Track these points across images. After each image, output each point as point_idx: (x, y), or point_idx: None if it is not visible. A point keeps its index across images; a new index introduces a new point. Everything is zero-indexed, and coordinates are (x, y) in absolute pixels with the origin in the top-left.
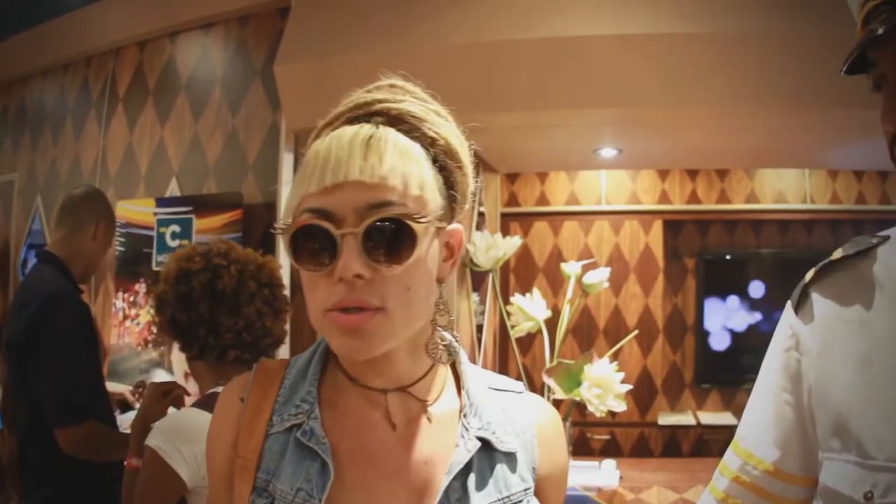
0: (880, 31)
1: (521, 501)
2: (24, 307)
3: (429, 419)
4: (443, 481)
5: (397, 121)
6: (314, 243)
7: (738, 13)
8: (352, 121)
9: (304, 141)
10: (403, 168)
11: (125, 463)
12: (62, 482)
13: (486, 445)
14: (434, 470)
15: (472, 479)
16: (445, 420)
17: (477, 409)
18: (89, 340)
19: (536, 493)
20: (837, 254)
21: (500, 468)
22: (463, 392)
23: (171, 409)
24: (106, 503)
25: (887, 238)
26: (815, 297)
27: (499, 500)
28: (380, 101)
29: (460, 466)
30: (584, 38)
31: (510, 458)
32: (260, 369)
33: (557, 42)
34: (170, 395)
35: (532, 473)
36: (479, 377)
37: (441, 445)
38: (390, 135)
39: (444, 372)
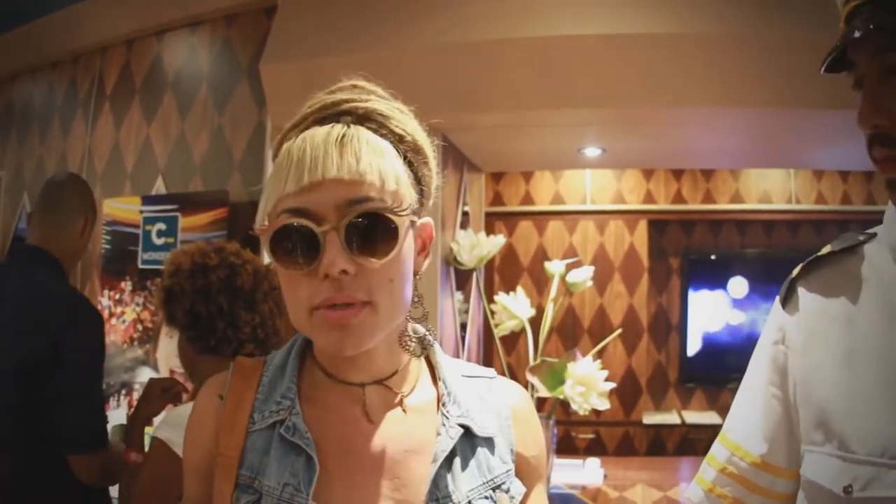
0: (857, 34)
1: (503, 483)
2: (44, 318)
3: (404, 410)
4: (429, 470)
5: (365, 119)
6: (295, 243)
7: (722, 13)
8: (320, 121)
9: None
10: (379, 164)
11: (125, 457)
12: None
13: (466, 432)
14: (416, 460)
15: (456, 465)
16: (423, 410)
17: (455, 398)
18: (103, 357)
19: (518, 472)
20: (825, 250)
21: (482, 452)
22: (440, 382)
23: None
24: None
25: (874, 236)
26: (802, 292)
27: (483, 483)
28: (346, 101)
29: (445, 454)
30: (568, 38)
31: (489, 443)
32: (237, 367)
33: (541, 42)
34: (169, 391)
35: (511, 455)
36: (452, 366)
37: (421, 435)
38: (362, 133)
39: (419, 363)
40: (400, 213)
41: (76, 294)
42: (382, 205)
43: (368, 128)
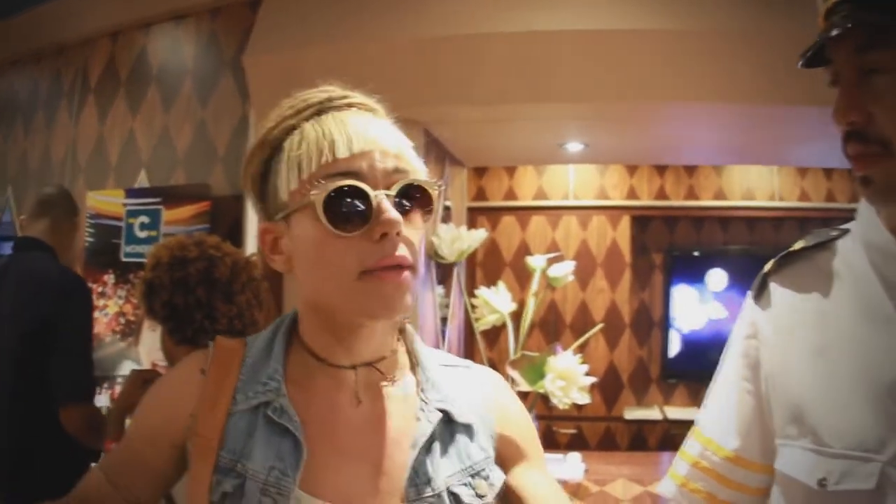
0: (834, 32)
1: (483, 469)
2: (44, 287)
3: (389, 394)
4: (408, 455)
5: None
6: (349, 204)
7: (705, 9)
8: (325, 111)
9: None
10: (408, 144)
11: (105, 447)
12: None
13: (445, 417)
14: (398, 446)
15: (436, 451)
16: (405, 397)
17: (434, 384)
18: (92, 323)
19: (504, 454)
20: (798, 245)
21: (461, 438)
22: (419, 368)
23: None
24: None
25: (847, 231)
26: (774, 287)
27: (462, 469)
28: (349, 96)
29: (425, 439)
30: (550, 33)
31: (469, 429)
32: (218, 346)
33: (523, 36)
34: (150, 382)
35: (492, 441)
36: (430, 355)
37: (403, 421)
38: (385, 120)
39: (402, 351)
40: (435, 188)
41: (67, 270)
42: (422, 177)
43: None
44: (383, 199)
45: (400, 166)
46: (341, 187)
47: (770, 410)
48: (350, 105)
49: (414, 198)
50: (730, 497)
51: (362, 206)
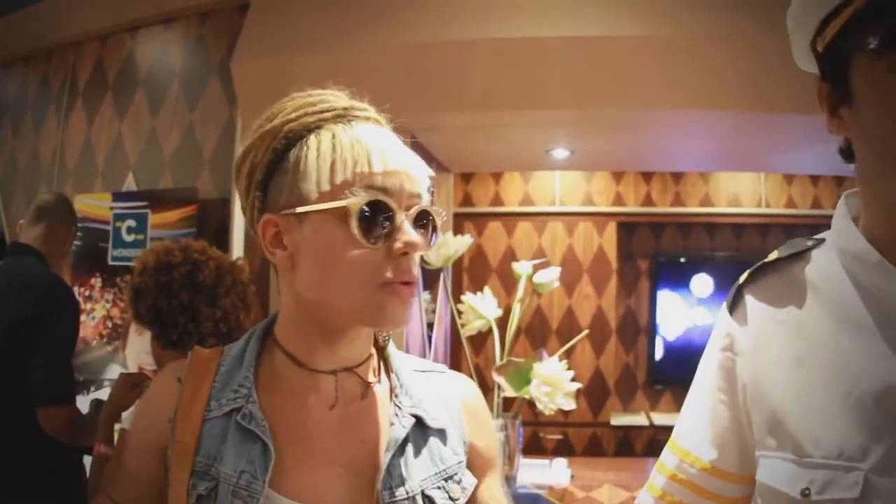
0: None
1: (456, 473)
2: (30, 289)
3: (363, 398)
4: (382, 458)
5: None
6: (377, 218)
7: (692, 16)
8: (350, 119)
9: None
10: (427, 174)
11: (93, 450)
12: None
13: (419, 422)
14: (370, 449)
15: (409, 455)
16: (378, 401)
17: (407, 389)
18: (75, 327)
19: (470, 462)
20: (772, 255)
21: (434, 443)
22: (392, 374)
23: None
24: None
25: (822, 241)
26: (749, 299)
27: (436, 473)
28: (368, 110)
29: (398, 443)
30: (538, 40)
31: (441, 434)
32: (195, 356)
33: (511, 43)
34: (139, 386)
35: (464, 447)
36: (404, 361)
37: (376, 425)
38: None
39: (376, 356)
40: (441, 218)
41: (54, 275)
42: (428, 204)
43: None
44: (405, 221)
45: (418, 192)
46: (377, 201)
47: (749, 422)
48: (368, 119)
49: (424, 224)
50: None
51: (388, 223)
